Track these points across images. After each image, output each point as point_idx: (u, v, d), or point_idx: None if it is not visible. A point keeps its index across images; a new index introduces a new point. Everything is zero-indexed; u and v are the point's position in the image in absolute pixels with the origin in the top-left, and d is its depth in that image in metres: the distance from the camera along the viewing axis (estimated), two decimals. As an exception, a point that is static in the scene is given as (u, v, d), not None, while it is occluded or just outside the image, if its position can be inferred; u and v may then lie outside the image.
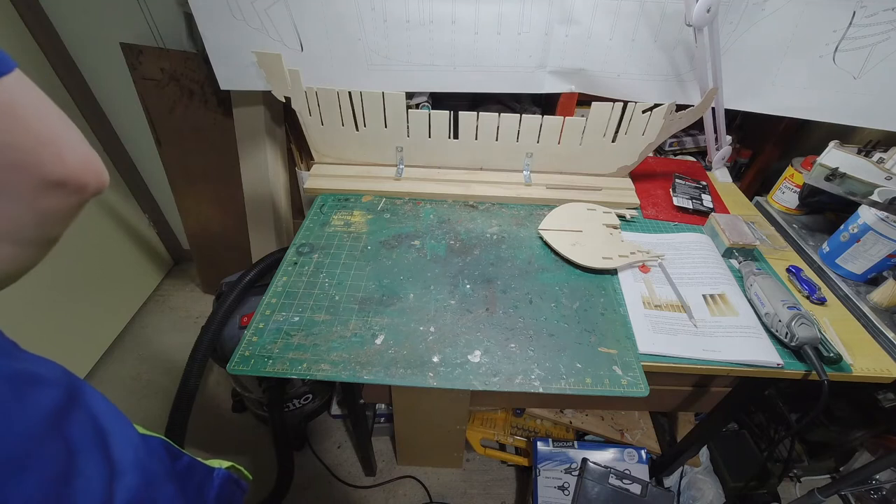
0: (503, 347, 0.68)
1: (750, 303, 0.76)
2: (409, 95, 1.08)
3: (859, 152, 0.92)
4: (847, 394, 1.12)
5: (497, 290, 0.77)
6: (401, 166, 1.00)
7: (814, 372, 0.65)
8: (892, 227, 0.78)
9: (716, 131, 1.08)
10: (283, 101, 0.90)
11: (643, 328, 0.71)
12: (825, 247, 0.91)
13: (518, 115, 0.90)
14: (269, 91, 0.90)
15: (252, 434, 1.36)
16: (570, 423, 1.15)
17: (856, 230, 0.83)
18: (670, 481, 1.20)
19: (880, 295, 0.80)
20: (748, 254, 0.86)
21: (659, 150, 1.24)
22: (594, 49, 0.97)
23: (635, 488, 0.92)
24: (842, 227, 0.87)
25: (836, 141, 0.88)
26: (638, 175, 1.04)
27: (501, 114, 0.90)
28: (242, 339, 0.66)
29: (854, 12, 0.86)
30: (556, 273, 0.81)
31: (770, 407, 1.19)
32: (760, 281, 0.75)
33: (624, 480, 0.92)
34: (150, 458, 0.35)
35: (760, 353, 0.67)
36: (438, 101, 1.14)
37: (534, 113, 1.02)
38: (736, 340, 0.69)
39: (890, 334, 0.75)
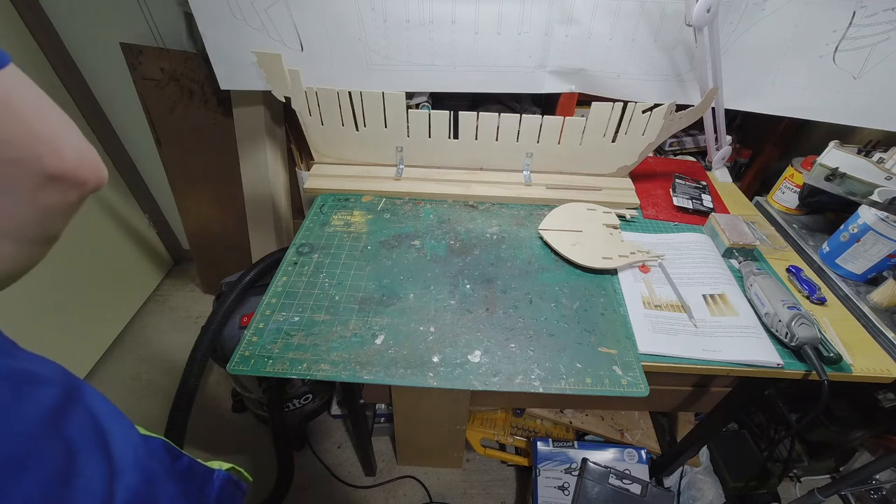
0: (503, 347, 0.68)
1: (750, 303, 0.76)
2: (409, 95, 1.08)
3: (859, 152, 0.91)
4: (847, 394, 1.12)
5: (497, 290, 0.77)
6: (401, 166, 1.00)
7: (814, 372, 0.65)
8: (892, 227, 0.78)
9: (716, 131, 1.08)
10: (283, 101, 0.90)
11: (643, 328, 0.71)
12: (825, 247, 0.91)
13: (518, 115, 0.90)
14: (269, 91, 0.90)
15: (252, 434, 1.36)
16: (570, 423, 1.15)
17: (856, 230, 0.83)
18: (670, 481, 1.20)
19: (880, 295, 0.80)
20: (748, 254, 0.86)
21: (659, 150, 1.24)
22: (594, 49, 0.97)
23: (635, 488, 0.92)
24: (842, 227, 0.87)
25: (836, 141, 0.88)
26: (638, 175, 1.04)
27: (501, 114, 0.90)
28: (242, 339, 0.66)
29: (854, 12, 0.86)
30: (556, 273, 0.81)
31: (770, 407, 1.19)
32: (760, 281, 0.75)
33: (624, 480, 0.92)
34: (150, 458, 0.35)
35: (760, 353, 0.67)
36: (438, 101, 1.14)
37: (534, 113, 1.02)
38: (736, 340, 0.69)
39: (890, 334, 0.75)
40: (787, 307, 0.69)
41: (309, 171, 1.04)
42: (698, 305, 0.75)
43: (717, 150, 1.12)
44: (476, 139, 0.95)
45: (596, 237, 0.86)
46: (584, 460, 0.95)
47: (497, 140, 0.95)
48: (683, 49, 0.96)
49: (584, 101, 1.00)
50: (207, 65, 0.98)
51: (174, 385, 0.88)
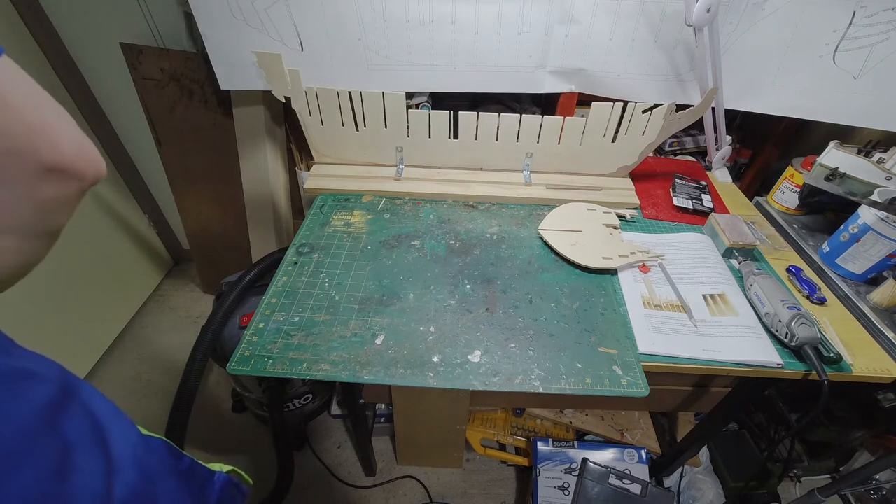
0: (503, 347, 0.68)
1: (750, 303, 0.76)
2: (409, 95, 1.08)
3: (859, 152, 0.91)
4: (847, 394, 1.12)
5: (497, 290, 0.77)
6: (401, 166, 1.00)
7: (814, 372, 0.65)
8: (892, 227, 0.78)
9: (716, 131, 1.08)
10: (283, 101, 0.90)
11: (643, 328, 0.71)
12: (825, 247, 0.91)
13: (518, 115, 0.90)
14: (269, 91, 0.90)
15: (252, 434, 1.36)
16: (570, 423, 1.15)
17: (856, 230, 0.83)
18: (670, 481, 1.20)
19: (880, 295, 0.80)
20: (748, 254, 0.86)
21: (659, 150, 1.24)
22: (594, 49, 0.97)
23: (635, 488, 0.92)
24: (842, 227, 0.87)
25: (836, 141, 0.88)
26: (638, 175, 1.04)
27: (501, 114, 0.90)
28: (242, 339, 0.66)
29: (854, 12, 0.86)
30: (556, 273, 0.81)
31: (770, 407, 1.19)
32: (760, 281, 0.75)
33: (624, 480, 0.92)
34: (150, 457, 0.35)
35: (760, 353, 0.67)
36: (438, 101, 1.14)
37: (534, 113, 1.02)
38: (736, 340, 0.69)
39: (890, 334, 0.75)
40: (787, 307, 0.69)
41: (309, 171, 1.04)
42: (698, 305, 0.75)
43: (717, 150, 1.12)
44: (476, 139, 0.95)
45: (596, 237, 0.86)
46: (584, 460, 0.95)
47: (497, 140, 0.95)
48: (683, 49, 0.96)
49: (584, 101, 1.00)
50: (207, 65, 0.98)
51: (174, 385, 0.88)
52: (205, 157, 1.31)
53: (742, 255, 0.86)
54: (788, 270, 0.86)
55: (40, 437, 0.26)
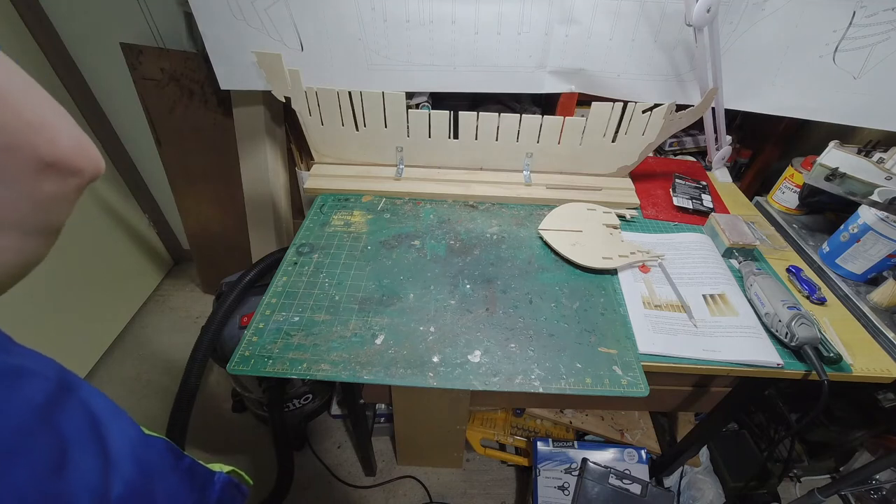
0: (503, 347, 0.68)
1: (750, 303, 0.76)
2: (409, 95, 1.08)
3: (859, 152, 0.91)
4: (847, 394, 1.12)
5: (497, 290, 0.77)
6: (401, 166, 1.00)
7: (814, 372, 0.65)
8: (892, 227, 0.78)
9: (716, 131, 1.08)
10: (283, 101, 0.90)
11: (643, 328, 0.71)
12: (825, 247, 0.91)
13: (518, 115, 0.90)
14: (269, 91, 0.90)
15: (252, 434, 1.36)
16: (570, 423, 1.15)
17: (856, 230, 0.83)
18: (670, 481, 1.20)
19: (880, 295, 0.80)
20: (748, 254, 0.86)
21: (659, 150, 1.24)
22: (594, 49, 0.97)
23: (635, 488, 0.92)
24: (842, 227, 0.87)
25: (836, 141, 0.88)
26: (638, 175, 1.04)
27: (501, 114, 0.90)
28: (242, 339, 0.66)
29: (854, 12, 0.86)
30: (556, 273, 0.81)
31: (770, 407, 1.19)
32: (760, 281, 0.75)
33: (624, 480, 0.92)
34: (149, 453, 0.35)
35: (760, 353, 0.67)
36: (438, 101, 1.14)
37: (534, 113, 1.02)
38: (736, 340, 0.69)
39: (890, 334, 0.75)
40: (787, 307, 0.69)
41: (309, 171, 1.04)
42: (698, 305, 0.75)
43: (717, 150, 1.12)
44: (476, 139, 0.95)
45: (596, 237, 0.86)
46: (584, 460, 0.95)
47: (497, 140, 0.95)
48: (683, 49, 0.96)
49: (584, 101, 1.00)
50: (207, 65, 0.98)
51: (174, 385, 0.88)
52: (205, 157, 1.31)
53: (742, 255, 0.86)
54: (788, 270, 0.86)
55: (36, 433, 0.26)
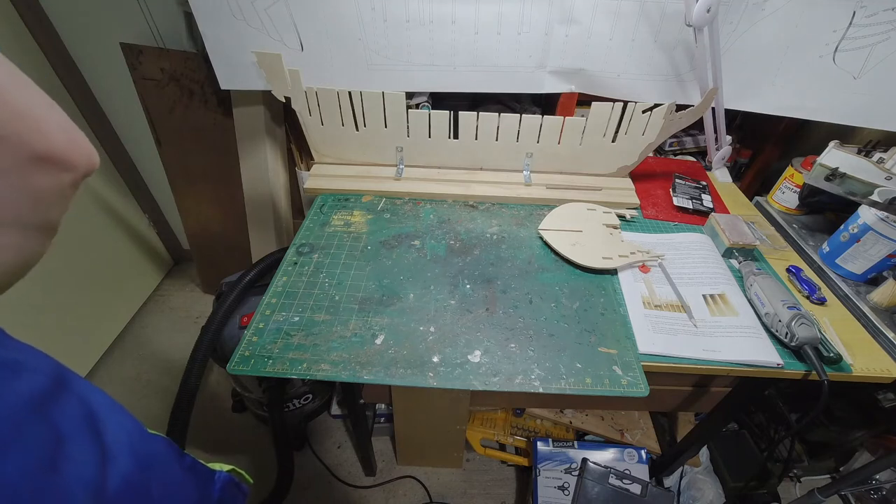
0: (503, 347, 0.68)
1: (750, 303, 0.76)
2: (409, 95, 1.08)
3: (859, 152, 0.91)
4: (847, 394, 1.12)
5: (497, 290, 0.77)
6: (401, 166, 1.00)
7: (814, 372, 0.65)
8: (892, 227, 0.78)
9: (716, 131, 1.08)
10: (283, 101, 0.90)
11: (643, 328, 0.71)
12: (825, 247, 0.91)
13: (518, 115, 0.90)
14: (269, 91, 0.90)
15: (252, 434, 1.36)
16: (570, 423, 1.15)
17: (856, 230, 0.83)
18: (670, 481, 1.20)
19: (880, 295, 0.80)
20: (748, 254, 0.86)
21: (659, 150, 1.24)
22: (594, 49, 0.97)
23: (635, 488, 0.92)
24: (842, 227, 0.87)
25: (836, 141, 0.88)
26: (638, 175, 1.04)
27: (501, 114, 0.90)
28: (242, 339, 0.66)
29: (854, 12, 0.86)
30: (556, 273, 0.81)
31: (770, 407, 1.19)
32: (760, 281, 0.75)
33: (624, 480, 0.92)
34: (148, 448, 0.35)
35: (760, 353, 0.67)
36: (438, 101, 1.14)
37: (534, 113, 1.02)
38: (736, 340, 0.69)
39: (890, 334, 0.75)
40: (787, 307, 0.69)
41: (309, 171, 1.04)
42: (698, 305, 0.75)
43: (717, 150, 1.12)
44: (476, 139, 0.95)
45: (596, 237, 0.86)
46: (584, 460, 0.95)
47: (497, 140, 0.95)
48: (683, 49, 0.96)
49: (584, 101, 1.00)
50: (207, 65, 0.98)
51: (174, 385, 0.88)
52: (205, 157, 1.31)
53: (742, 255, 0.86)
54: (788, 270, 0.86)
55: (28, 426, 0.26)
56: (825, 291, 0.82)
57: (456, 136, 0.94)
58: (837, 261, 0.87)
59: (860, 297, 0.82)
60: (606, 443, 1.13)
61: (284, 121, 1.21)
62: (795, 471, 1.28)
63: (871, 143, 1.00)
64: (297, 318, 0.70)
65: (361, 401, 1.00)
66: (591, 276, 0.81)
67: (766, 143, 1.20)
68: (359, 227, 0.89)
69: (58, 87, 1.26)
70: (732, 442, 1.28)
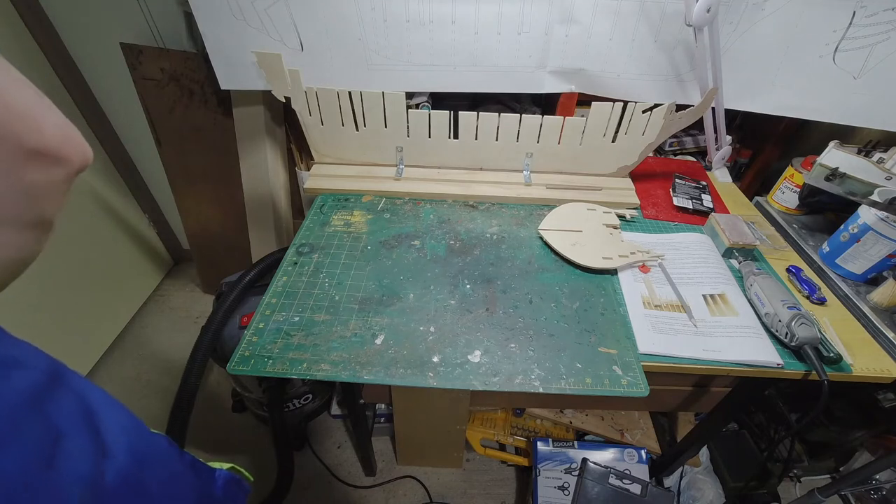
0: (503, 347, 0.68)
1: (750, 303, 0.76)
2: (409, 95, 1.08)
3: (859, 152, 0.91)
4: (847, 394, 1.12)
5: (497, 290, 0.77)
6: (401, 166, 1.00)
7: (814, 372, 0.65)
8: (892, 227, 0.78)
9: (716, 131, 1.08)
10: (283, 101, 0.90)
11: (643, 328, 0.71)
12: (825, 247, 0.91)
13: (518, 115, 0.90)
14: (269, 91, 0.90)
15: (252, 434, 1.36)
16: (570, 423, 1.15)
17: (856, 230, 0.83)
18: (670, 481, 1.20)
19: (880, 295, 0.80)
20: (748, 254, 0.86)
21: (659, 150, 1.24)
22: (594, 49, 0.97)
23: (635, 488, 0.92)
24: (842, 227, 0.87)
25: (836, 141, 0.88)
26: (638, 175, 1.04)
27: (501, 114, 0.90)
28: (242, 339, 0.66)
29: (854, 12, 0.86)
30: (556, 273, 0.81)
31: (770, 407, 1.19)
32: (760, 281, 0.75)
33: (624, 480, 0.92)
34: (147, 446, 0.35)
35: (760, 353, 0.67)
36: (438, 101, 1.14)
37: (534, 113, 1.02)
38: (736, 340, 0.69)
39: (890, 334, 0.75)
40: (787, 307, 0.69)
41: (309, 171, 1.04)
42: (698, 305, 0.75)
43: (717, 150, 1.12)
44: (476, 139, 0.95)
45: (596, 237, 0.86)
46: (584, 460, 0.95)
47: (497, 140, 0.95)
48: (683, 49, 0.96)
49: (584, 101, 1.00)
50: (207, 65, 0.98)
51: (174, 385, 0.88)
52: (205, 157, 1.31)
53: (742, 255, 0.86)
54: (788, 270, 0.86)
55: (24, 421, 0.26)
56: (825, 291, 0.82)
57: (456, 136, 0.94)
58: (837, 261, 0.87)
59: (860, 297, 0.82)
60: (606, 443, 1.13)
61: (284, 121, 1.21)
62: (795, 471, 1.28)
63: (871, 143, 1.00)
64: (297, 318, 0.70)
65: (361, 401, 1.00)
66: (591, 276, 0.81)
67: (766, 143, 1.20)
68: (359, 227, 0.89)
69: (58, 87, 1.26)
70: (732, 442, 1.28)
